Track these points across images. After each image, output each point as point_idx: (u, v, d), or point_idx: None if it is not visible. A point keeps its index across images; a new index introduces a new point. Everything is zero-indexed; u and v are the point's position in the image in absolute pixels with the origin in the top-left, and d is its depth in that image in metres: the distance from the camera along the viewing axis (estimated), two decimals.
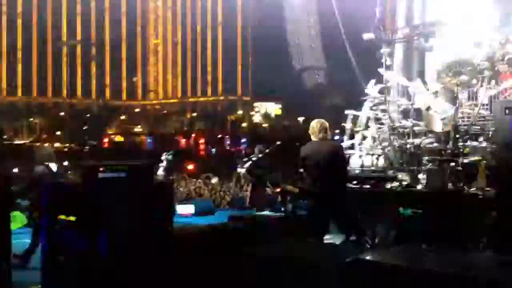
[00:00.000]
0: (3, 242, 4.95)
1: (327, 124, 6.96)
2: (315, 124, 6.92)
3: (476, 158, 7.28)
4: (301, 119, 65.77)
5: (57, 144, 55.89)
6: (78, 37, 79.17)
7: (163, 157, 12.20)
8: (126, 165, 4.62)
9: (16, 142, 56.86)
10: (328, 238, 6.86)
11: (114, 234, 4.39)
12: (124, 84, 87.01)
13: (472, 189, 6.87)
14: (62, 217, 4.50)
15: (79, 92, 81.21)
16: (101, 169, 4.44)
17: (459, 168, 7.17)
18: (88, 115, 71.22)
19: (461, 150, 7.48)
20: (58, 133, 63.89)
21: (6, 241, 5.00)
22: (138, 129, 74.88)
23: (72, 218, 4.44)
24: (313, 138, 6.92)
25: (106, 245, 4.34)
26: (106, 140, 63.00)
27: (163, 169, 11.95)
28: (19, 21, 78.44)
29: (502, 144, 5.77)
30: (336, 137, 9.71)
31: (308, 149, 6.89)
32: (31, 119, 70.65)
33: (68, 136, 59.82)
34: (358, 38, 9.99)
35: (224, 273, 4.43)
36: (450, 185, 7.01)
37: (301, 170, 6.95)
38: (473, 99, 8.19)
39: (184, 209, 12.24)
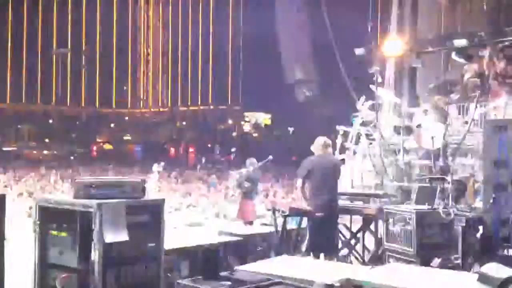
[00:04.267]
0: None
1: (329, 141, 7.21)
2: (319, 140, 7.15)
3: (465, 175, 7.31)
4: (291, 129, 65.78)
5: (45, 152, 55.52)
6: (69, 45, 78.78)
7: (154, 168, 11.94)
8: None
9: (4, 148, 56.39)
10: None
11: None
12: (114, 92, 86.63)
13: (460, 206, 6.89)
14: None
15: (68, 100, 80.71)
16: None
17: (449, 185, 7.18)
18: (77, 122, 70.81)
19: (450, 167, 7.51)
20: (47, 140, 63.42)
21: None
22: (127, 137, 74.44)
23: None
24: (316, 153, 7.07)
25: None
26: (94, 148, 62.60)
27: (154, 181, 11.70)
28: (9, 29, 78.05)
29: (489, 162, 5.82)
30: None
31: (310, 164, 7.06)
32: (19, 126, 70.07)
33: (56, 143, 59.41)
34: (350, 53, 10.07)
35: None
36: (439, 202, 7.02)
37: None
38: (464, 116, 8.24)
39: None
